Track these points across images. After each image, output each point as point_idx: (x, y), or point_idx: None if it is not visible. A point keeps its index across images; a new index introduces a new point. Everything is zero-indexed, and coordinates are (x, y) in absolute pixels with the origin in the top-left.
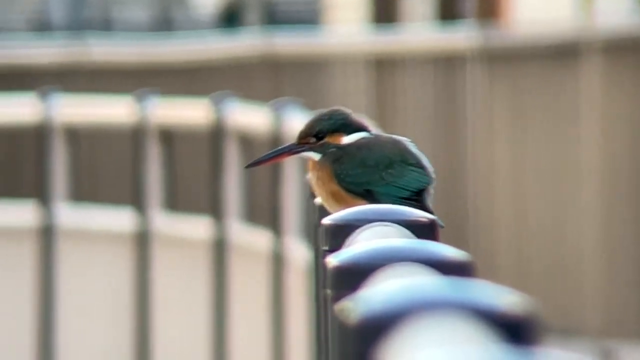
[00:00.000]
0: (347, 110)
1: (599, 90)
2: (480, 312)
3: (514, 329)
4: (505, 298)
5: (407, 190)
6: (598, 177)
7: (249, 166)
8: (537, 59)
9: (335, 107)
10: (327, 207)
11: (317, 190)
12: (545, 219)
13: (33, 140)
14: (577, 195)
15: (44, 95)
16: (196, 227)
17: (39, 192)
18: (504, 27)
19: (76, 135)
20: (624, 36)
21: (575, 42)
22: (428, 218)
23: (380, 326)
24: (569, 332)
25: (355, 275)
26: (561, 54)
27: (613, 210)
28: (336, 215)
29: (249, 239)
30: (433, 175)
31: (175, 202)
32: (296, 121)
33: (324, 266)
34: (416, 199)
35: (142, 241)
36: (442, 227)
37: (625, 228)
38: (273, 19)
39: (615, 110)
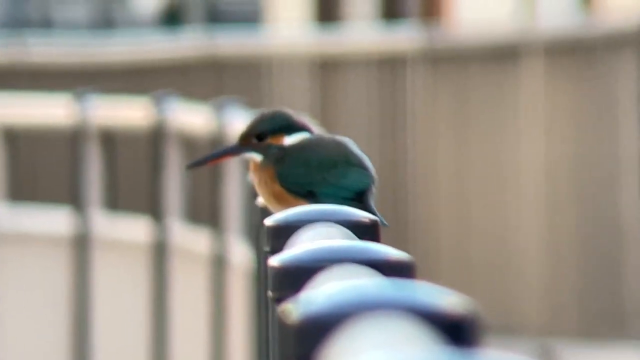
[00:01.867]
0: (290, 111)
1: (541, 91)
2: (421, 313)
3: (455, 330)
4: (446, 299)
5: (350, 190)
6: (540, 176)
7: (189, 167)
8: (479, 59)
9: (278, 108)
10: (270, 208)
11: (259, 191)
12: (487, 219)
13: None
14: (520, 195)
15: None
16: (136, 229)
17: None
18: (447, 27)
19: (15, 136)
20: (565, 37)
21: (518, 43)
22: (370, 219)
23: (321, 327)
24: (510, 331)
25: (297, 277)
26: (504, 55)
27: (555, 210)
28: (278, 216)
29: (190, 241)
30: (375, 176)
31: (116, 203)
32: (238, 121)
33: (266, 267)
34: (359, 199)
35: (81, 243)
36: (386, 226)
37: (567, 227)
38: (215, 17)
39: (557, 111)
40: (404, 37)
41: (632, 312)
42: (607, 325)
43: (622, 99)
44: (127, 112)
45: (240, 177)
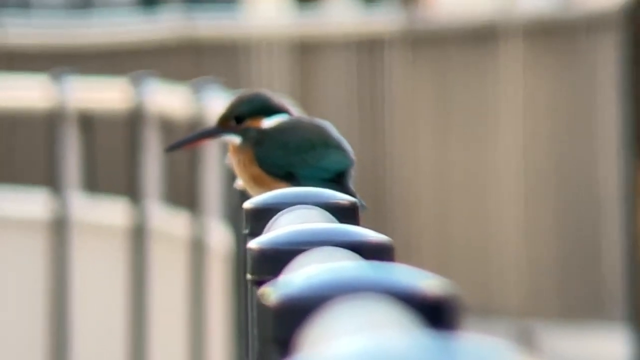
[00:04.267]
0: (268, 93)
1: (520, 73)
2: (401, 295)
3: (434, 312)
4: (425, 281)
5: (329, 172)
6: (519, 158)
7: (168, 150)
8: (459, 41)
9: (256, 90)
10: (249, 190)
11: (238, 173)
12: (467, 201)
13: None
14: (499, 176)
15: None
16: (115, 212)
17: None
18: (426, 9)
19: None
20: (545, 19)
21: (497, 25)
22: (349, 201)
23: (300, 310)
24: (490, 313)
25: (276, 259)
26: (483, 37)
27: (534, 192)
28: (257, 199)
29: (169, 224)
30: (354, 158)
31: (94, 186)
32: (217, 103)
33: (245, 250)
34: (338, 181)
35: (59, 226)
36: (365, 208)
37: (546, 209)
38: None
39: (536, 92)
40: (383, 19)
41: (611, 293)
42: (586, 307)
43: (602, 81)
44: (105, 94)
45: (219, 159)
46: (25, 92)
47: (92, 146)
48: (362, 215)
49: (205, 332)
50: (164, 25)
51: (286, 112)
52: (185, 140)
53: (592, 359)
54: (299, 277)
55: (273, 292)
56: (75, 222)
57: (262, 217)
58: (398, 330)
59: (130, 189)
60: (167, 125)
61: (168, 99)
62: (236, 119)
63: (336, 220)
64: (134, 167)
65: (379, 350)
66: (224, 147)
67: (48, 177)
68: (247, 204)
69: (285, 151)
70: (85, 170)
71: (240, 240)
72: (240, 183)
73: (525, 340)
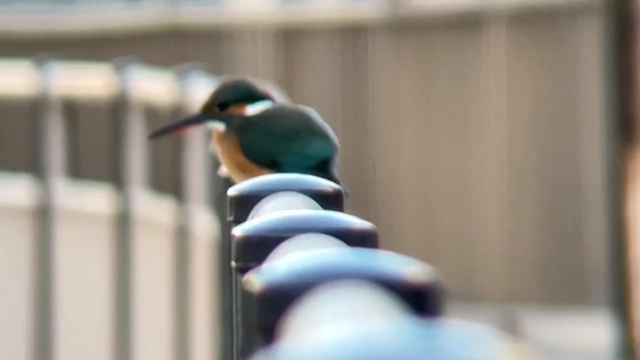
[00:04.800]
0: (252, 80)
1: (503, 59)
2: (384, 282)
3: (417, 299)
4: (409, 268)
5: (313, 159)
6: (502, 144)
7: (152, 137)
8: (442, 28)
9: (240, 77)
10: (233, 177)
11: (222, 160)
12: (450, 188)
13: None
14: (482, 162)
15: None
16: (99, 199)
17: None
18: None
19: None
20: (528, 5)
21: (480, 12)
22: (333, 188)
23: (284, 297)
24: (473, 299)
25: (260, 247)
26: (467, 23)
27: (517, 178)
28: (242, 186)
29: (153, 211)
30: (338, 145)
31: (78, 173)
32: (201, 90)
33: (230, 237)
34: (322, 168)
35: (43, 213)
36: (348, 194)
37: (528, 195)
38: None
39: (520, 79)
40: (367, 6)
41: (594, 278)
42: (569, 292)
43: (584, 67)
44: (89, 81)
45: (203, 146)
46: (9, 79)
47: (76, 133)
48: (346, 202)
49: (189, 319)
50: (147, 12)
51: (270, 99)
52: (169, 127)
53: (576, 344)
54: (283, 264)
55: (257, 279)
56: (59, 209)
57: (246, 204)
58: (382, 317)
59: (114, 176)
60: (151, 112)
61: (152, 85)
62: (220, 106)
63: (320, 207)
64: (117, 154)
65: (363, 337)
66: (208, 134)
67: (32, 164)
68: (232, 191)
69: (270, 138)
70: (68, 157)
71: (225, 227)
72: (224, 170)
73: (509, 326)
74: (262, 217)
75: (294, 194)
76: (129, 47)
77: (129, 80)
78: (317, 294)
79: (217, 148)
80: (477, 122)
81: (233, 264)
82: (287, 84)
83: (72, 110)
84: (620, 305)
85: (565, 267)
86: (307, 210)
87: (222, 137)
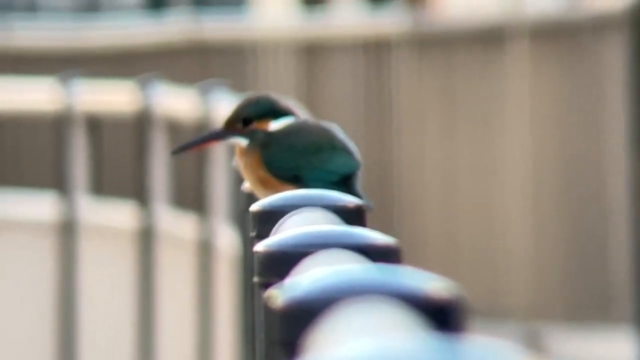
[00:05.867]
0: (275, 96)
1: (526, 75)
2: (407, 297)
3: (440, 315)
4: (432, 283)
5: (336, 174)
6: (527, 159)
7: (175, 152)
8: (465, 43)
9: (263, 92)
10: (256, 193)
11: (245, 176)
12: (474, 203)
13: None
14: (506, 178)
15: None
16: (122, 214)
17: None
18: (433, 10)
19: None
20: (551, 21)
21: (503, 27)
22: (356, 203)
23: (307, 313)
24: (496, 316)
25: (283, 262)
26: (489, 39)
27: (541, 193)
28: (264, 202)
29: (176, 226)
30: (360, 160)
31: (102, 189)
32: (224, 105)
33: (252, 253)
34: (345, 183)
35: (67, 229)
36: (371, 208)
37: (553, 211)
38: (200, 1)
39: (543, 94)
40: (390, 21)
41: (618, 295)
42: (593, 308)
43: (608, 83)
44: (113, 97)
45: (226, 162)
46: (33, 95)
47: (100, 149)
48: (368, 215)
49: (212, 335)
50: (171, 28)
51: (293, 115)
52: (193, 142)
53: None
54: (305, 279)
55: (280, 294)
56: (83, 225)
57: (269, 219)
58: (404, 333)
59: (138, 192)
60: (174, 127)
61: (175, 101)
62: (243, 121)
63: (343, 223)
64: (141, 170)
65: (386, 352)
66: (231, 150)
67: (56, 180)
68: (254, 207)
69: (292, 154)
70: (93, 173)
71: (248, 243)
72: (247, 185)
73: (532, 342)
74: (285, 233)
75: (316, 209)
76: (152, 63)
77: (152, 96)
78: (339, 309)
79: (240, 163)
80: (500, 138)
81: (255, 279)
82: (310, 100)
83: (96, 126)
84: None
85: (590, 283)
86: (329, 225)
87: (245, 152)
